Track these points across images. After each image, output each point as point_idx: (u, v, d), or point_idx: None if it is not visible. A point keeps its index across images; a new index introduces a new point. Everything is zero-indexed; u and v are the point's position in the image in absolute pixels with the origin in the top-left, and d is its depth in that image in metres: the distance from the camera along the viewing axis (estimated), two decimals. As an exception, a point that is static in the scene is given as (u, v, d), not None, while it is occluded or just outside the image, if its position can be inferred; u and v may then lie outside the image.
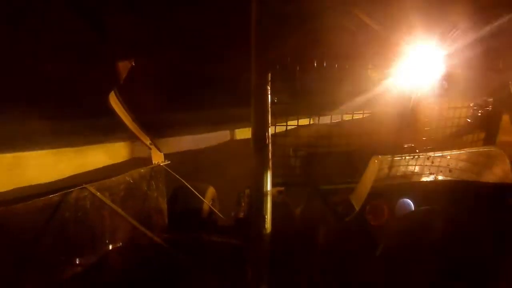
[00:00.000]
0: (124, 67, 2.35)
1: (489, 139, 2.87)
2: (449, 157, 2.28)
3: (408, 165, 2.15)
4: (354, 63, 2.34)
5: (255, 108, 2.03)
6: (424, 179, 2.21)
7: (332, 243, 2.11)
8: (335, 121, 2.87)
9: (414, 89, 2.53)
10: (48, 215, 2.07)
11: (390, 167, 2.11)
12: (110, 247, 2.57)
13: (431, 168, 2.21)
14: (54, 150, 4.54)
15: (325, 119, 2.82)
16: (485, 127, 2.89)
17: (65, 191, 2.17)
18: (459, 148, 2.69)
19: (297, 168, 2.75)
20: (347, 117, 2.87)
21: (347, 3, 1.73)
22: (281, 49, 1.93)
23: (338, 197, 2.18)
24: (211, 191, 3.85)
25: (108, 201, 2.32)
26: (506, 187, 2.01)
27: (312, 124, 2.80)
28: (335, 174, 2.58)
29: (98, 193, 2.28)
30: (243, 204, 2.98)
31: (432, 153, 2.24)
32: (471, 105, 3.17)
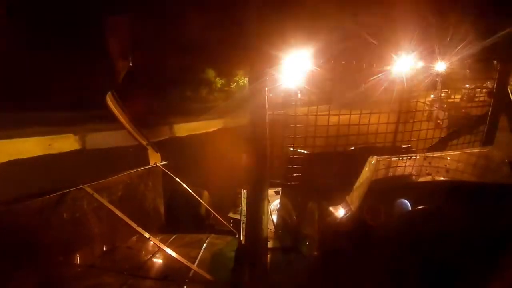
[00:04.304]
0: (122, 67, 2.34)
1: (487, 140, 2.86)
2: (446, 158, 2.27)
3: (405, 165, 2.14)
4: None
5: (252, 108, 2.02)
6: (422, 179, 2.20)
7: (329, 243, 2.10)
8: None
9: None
10: (46, 215, 2.07)
11: (387, 167, 2.10)
12: (107, 247, 2.56)
13: (428, 168, 2.20)
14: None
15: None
16: (483, 128, 2.89)
17: (63, 191, 2.17)
18: (456, 148, 2.68)
19: (295, 168, 2.73)
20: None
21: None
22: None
23: (335, 198, 2.17)
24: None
25: (105, 202, 2.31)
26: (504, 187, 2.00)
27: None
28: (333, 175, 2.57)
29: (95, 194, 2.27)
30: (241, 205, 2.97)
31: (430, 154, 2.24)
32: (469, 105, 3.18)
